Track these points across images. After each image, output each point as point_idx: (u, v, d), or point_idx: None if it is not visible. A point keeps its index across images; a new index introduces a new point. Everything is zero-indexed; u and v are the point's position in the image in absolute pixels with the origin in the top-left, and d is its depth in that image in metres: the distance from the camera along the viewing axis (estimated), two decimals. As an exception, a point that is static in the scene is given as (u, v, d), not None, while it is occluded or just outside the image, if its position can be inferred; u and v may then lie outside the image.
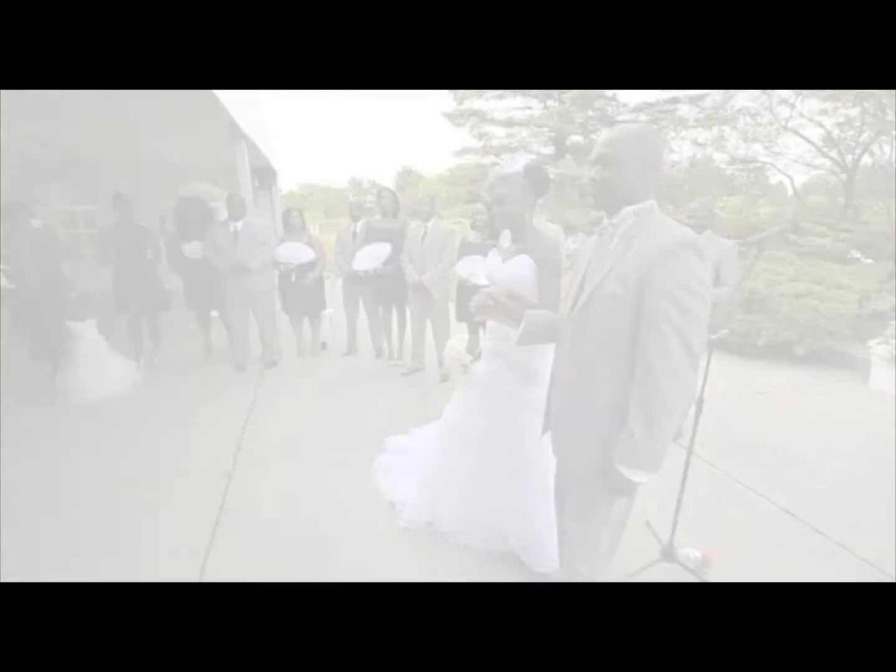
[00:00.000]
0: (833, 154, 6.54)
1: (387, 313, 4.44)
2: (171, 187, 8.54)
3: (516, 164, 1.64)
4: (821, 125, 6.52)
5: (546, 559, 1.77)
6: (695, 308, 1.02)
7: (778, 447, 2.86)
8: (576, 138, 12.65)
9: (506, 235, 1.85)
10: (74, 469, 2.66)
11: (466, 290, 3.52)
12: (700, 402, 1.75)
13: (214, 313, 4.52)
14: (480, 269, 3.41)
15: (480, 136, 13.29)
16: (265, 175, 8.43)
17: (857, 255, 6.10)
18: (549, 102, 12.29)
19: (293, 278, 4.26)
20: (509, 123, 12.78)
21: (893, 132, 5.73)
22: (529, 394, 1.75)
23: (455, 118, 13.26)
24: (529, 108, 12.81)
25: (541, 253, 1.69)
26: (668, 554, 1.80)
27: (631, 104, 12.16)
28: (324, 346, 4.91)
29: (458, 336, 2.02)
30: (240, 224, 3.94)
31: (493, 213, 1.71)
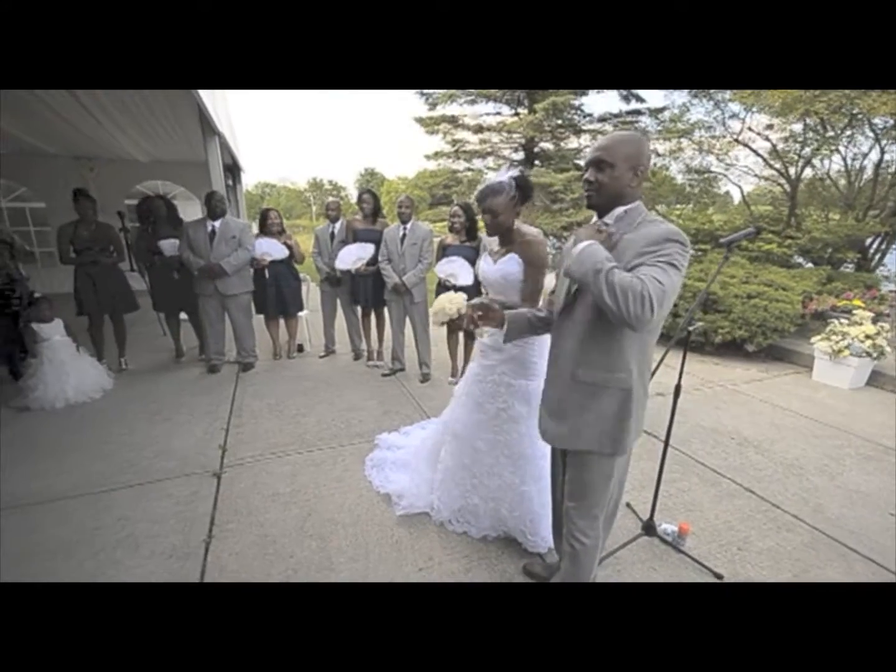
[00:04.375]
0: (778, 166, 7.10)
1: (365, 314, 4.47)
2: (129, 184, 8.20)
3: (503, 175, 1.73)
4: (767, 139, 7.06)
5: (541, 540, 1.89)
6: (673, 277, 1.11)
7: (735, 433, 3.13)
8: (546, 145, 13.01)
9: (494, 240, 1.97)
10: (55, 475, 2.54)
11: (446, 291, 3.61)
12: (677, 389, 1.92)
13: (183, 315, 4.40)
14: (459, 270, 3.52)
15: (454, 143, 13.38)
16: (232, 173, 8.23)
17: (800, 259, 6.69)
18: (520, 110, 12.61)
19: (266, 275, 4.21)
20: (480, 129, 12.98)
21: (833, 147, 6.29)
22: (527, 385, 1.86)
23: (428, 124, 13.28)
24: (499, 113, 13.09)
25: (527, 251, 1.82)
26: (649, 529, 1.96)
27: (596, 114, 12.72)
28: (300, 348, 4.86)
29: (459, 295, 1.74)
30: (217, 223, 3.86)
31: (486, 224, 1.80)
